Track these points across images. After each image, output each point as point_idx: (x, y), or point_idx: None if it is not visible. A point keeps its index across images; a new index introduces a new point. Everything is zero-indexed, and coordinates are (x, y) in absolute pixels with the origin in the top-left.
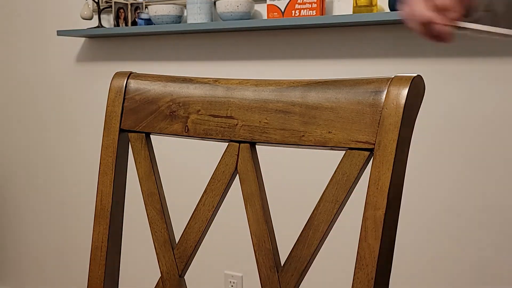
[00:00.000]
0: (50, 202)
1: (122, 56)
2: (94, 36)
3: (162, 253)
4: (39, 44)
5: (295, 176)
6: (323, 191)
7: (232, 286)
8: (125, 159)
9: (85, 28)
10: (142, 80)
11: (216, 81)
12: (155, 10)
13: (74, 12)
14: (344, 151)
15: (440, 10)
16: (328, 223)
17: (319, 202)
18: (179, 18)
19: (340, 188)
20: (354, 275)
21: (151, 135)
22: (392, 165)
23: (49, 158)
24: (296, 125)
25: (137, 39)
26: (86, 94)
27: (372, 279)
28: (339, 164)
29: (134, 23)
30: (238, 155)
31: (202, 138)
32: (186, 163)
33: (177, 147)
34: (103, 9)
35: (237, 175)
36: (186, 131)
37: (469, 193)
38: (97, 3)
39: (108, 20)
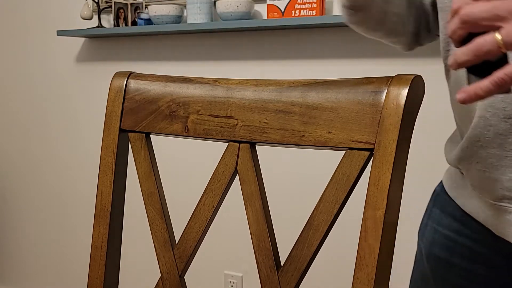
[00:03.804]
0: (50, 202)
1: (122, 56)
2: (94, 36)
3: (162, 253)
4: (39, 44)
5: (295, 176)
6: (323, 191)
7: (232, 286)
8: (125, 159)
9: (85, 28)
10: (142, 80)
11: (216, 81)
12: (155, 10)
13: (74, 12)
14: (344, 151)
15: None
16: (328, 223)
17: (319, 202)
18: (179, 18)
19: (340, 188)
20: (354, 275)
21: (151, 135)
22: (392, 165)
23: (49, 158)
24: (296, 125)
25: (137, 39)
26: (86, 94)
27: (372, 279)
28: (339, 164)
29: (134, 23)
30: (238, 155)
31: (202, 138)
32: (186, 163)
33: (177, 147)
34: (103, 9)
35: (237, 175)
36: (186, 131)
37: None
38: (97, 3)
39: (108, 20)
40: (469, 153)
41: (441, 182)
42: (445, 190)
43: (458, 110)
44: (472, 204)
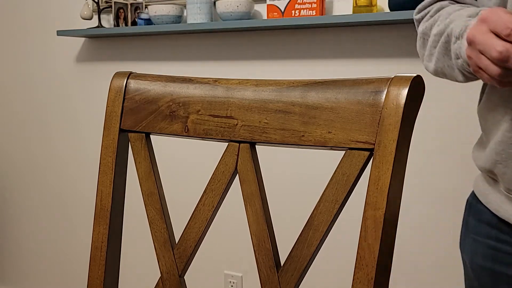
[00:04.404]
0: (50, 202)
1: (122, 56)
2: (94, 36)
3: (162, 253)
4: (39, 44)
5: (295, 176)
6: (323, 191)
7: (232, 286)
8: (125, 159)
9: (85, 28)
10: (142, 80)
11: (216, 81)
12: (155, 10)
13: (74, 12)
14: (344, 151)
15: None
16: (328, 223)
17: (319, 202)
18: (179, 18)
19: (340, 188)
20: (354, 275)
21: (151, 135)
22: (392, 165)
23: (49, 158)
24: (296, 125)
25: (137, 39)
26: (86, 94)
27: (372, 279)
28: (339, 164)
29: (134, 23)
30: (238, 155)
31: (202, 138)
32: (186, 163)
33: (177, 147)
34: (103, 9)
35: (237, 175)
36: (186, 131)
37: (469, 192)
38: (97, 3)
39: (108, 20)
40: (505, 156)
41: (472, 192)
42: (477, 199)
43: (486, 114)
44: (506, 208)
